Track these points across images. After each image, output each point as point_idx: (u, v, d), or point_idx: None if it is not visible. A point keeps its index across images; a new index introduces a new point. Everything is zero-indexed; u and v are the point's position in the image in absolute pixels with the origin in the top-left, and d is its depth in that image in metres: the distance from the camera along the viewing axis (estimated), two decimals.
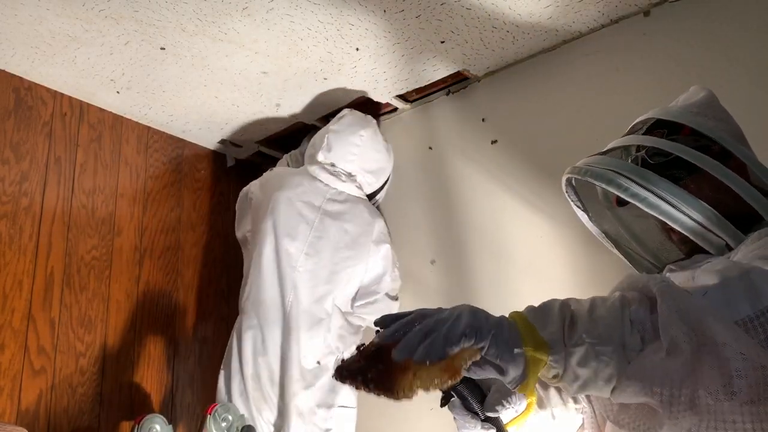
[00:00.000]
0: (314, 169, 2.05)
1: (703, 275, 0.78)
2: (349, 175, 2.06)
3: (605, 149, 1.11)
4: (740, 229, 0.95)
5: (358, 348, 0.77)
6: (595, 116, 1.78)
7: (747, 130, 1.12)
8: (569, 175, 1.08)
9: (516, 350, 0.71)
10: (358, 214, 2.04)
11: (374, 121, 2.12)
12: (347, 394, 1.92)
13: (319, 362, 1.88)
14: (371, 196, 2.15)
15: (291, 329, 1.88)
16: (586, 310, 0.73)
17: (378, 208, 2.17)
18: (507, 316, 0.76)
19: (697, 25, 1.64)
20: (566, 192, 1.16)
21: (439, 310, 0.76)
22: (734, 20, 1.58)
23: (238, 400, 1.86)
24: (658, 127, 1.06)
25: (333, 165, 2.06)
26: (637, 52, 1.74)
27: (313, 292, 1.93)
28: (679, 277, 1.02)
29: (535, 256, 1.82)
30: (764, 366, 0.61)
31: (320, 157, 2.06)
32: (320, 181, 2.04)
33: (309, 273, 1.94)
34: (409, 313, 0.76)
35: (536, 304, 0.78)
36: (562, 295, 0.78)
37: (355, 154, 2.02)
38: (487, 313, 0.76)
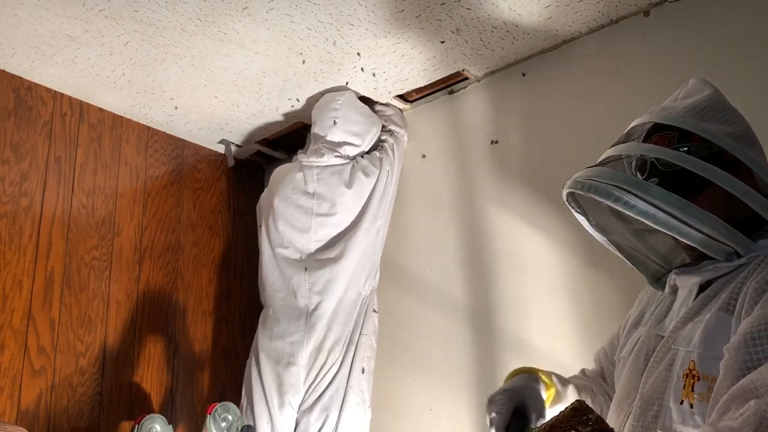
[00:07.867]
0: (301, 156, 2.14)
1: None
2: (331, 146, 2.08)
3: (604, 158, 1.06)
4: (747, 231, 0.94)
5: None
6: (595, 116, 1.78)
7: None
8: (570, 190, 1.05)
9: None
10: (337, 184, 2.08)
11: (352, 92, 2.13)
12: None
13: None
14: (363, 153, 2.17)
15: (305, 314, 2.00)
16: None
17: (382, 147, 2.16)
18: None
19: (697, 25, 1.64)
20: (567, 201, 1.13)
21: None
22: (734, 20, 1.58)
23: (256, 386, 1.98)
24: (660, 130, 1.01)
25: (318, 139, 2.11)
26: (637, 52, 1.73)
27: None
28: (684, 282, 1.02)
29: (534, 254, 1.82)
30: None
31: (311, 137, 2.15)
32: (306, 165, 2.09)
33: (320, 256, 2.04)
34: None
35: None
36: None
37: (337, 118, 2.06)
38: None
